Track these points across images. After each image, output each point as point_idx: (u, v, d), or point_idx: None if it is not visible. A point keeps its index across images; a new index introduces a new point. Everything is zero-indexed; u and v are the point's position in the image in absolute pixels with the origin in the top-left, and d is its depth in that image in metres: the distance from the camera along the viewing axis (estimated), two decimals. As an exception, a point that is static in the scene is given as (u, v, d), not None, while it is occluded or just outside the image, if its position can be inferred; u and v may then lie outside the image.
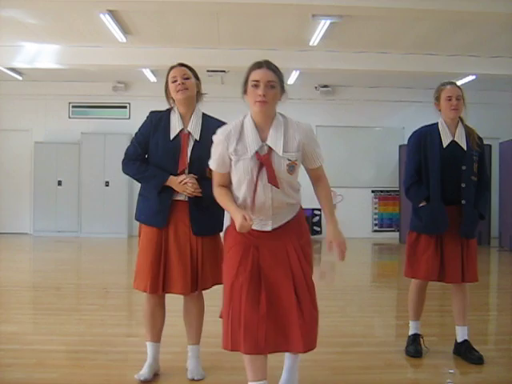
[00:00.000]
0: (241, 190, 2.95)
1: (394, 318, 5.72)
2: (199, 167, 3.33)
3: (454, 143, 4.03)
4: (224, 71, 10.87)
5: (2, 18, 7.92)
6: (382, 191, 12.96)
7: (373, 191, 13.08)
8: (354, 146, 12.95)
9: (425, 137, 4.08)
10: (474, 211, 4.00)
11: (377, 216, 13.17)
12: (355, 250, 11.36)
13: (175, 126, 3.43)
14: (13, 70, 11.10)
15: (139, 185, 3.61)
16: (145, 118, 3.57)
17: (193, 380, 3.56)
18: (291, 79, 11.45)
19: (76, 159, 12.53)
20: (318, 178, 3.10)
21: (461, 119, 4.10)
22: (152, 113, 3.54)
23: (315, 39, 8.81)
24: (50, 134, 12.65)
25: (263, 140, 2.90)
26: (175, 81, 3.44)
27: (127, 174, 3.56)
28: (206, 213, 3.40)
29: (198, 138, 3.40)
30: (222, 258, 3.20)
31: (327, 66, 10.03)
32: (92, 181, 12.35)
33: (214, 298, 6.18)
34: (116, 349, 4.06)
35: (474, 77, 10.70)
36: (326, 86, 12.58)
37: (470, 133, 4.08)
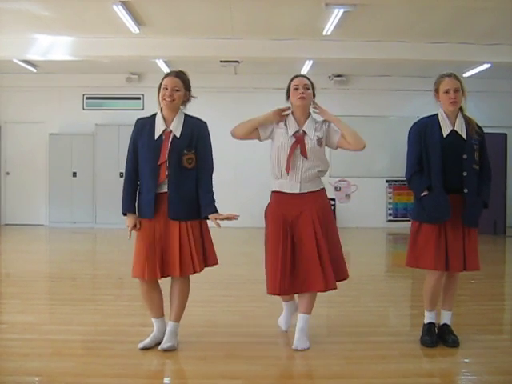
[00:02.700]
0: (280, 158, 4.08)
1: (409, 307, 5.72)
2: (177, 158, 3.88)
3: (454, 133, 4.07)
4: (237, 61, 10.85)
5: (16, 10, 7.94)
6: (396, 181, 12.89)
7: (387, 181, 13.01)
8: (367, 135, 12.47)
9: (425, 127, 4.14)
10: (477, 200, 4.04)
11: (391, 206, 13.10)
12: (369, 240, 11.38)
13: (159, 128, 3.94)
14: (27, 62, 11.13)
15: None
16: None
17: (165, 351, 3.89)
18: (305, 69, 11.40)
19: (90, 150, 12.60)
20: (343, 140, 4.33)
21: (461, 109, 4.15)
22: (138, 120, 4.06)
23: (329, 28, 8.75)
24: (64, 126, 12.70)
25: (300, 126, 4.12)
26: (166, 89, 3.91)
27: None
28: (183, 199, 3.89)
29: (178, 136, 3.92)
30: (207, 242, 3.98)
31: (341, 55, 9.96)
32: (106, 172, 12.39)
33: (227, 288, 6.26)
34: (131, 338, 4.09)
35: (488, 65, 10.60)
36: (339, 76, 12.51)
37: (469, 122, 4.12)
